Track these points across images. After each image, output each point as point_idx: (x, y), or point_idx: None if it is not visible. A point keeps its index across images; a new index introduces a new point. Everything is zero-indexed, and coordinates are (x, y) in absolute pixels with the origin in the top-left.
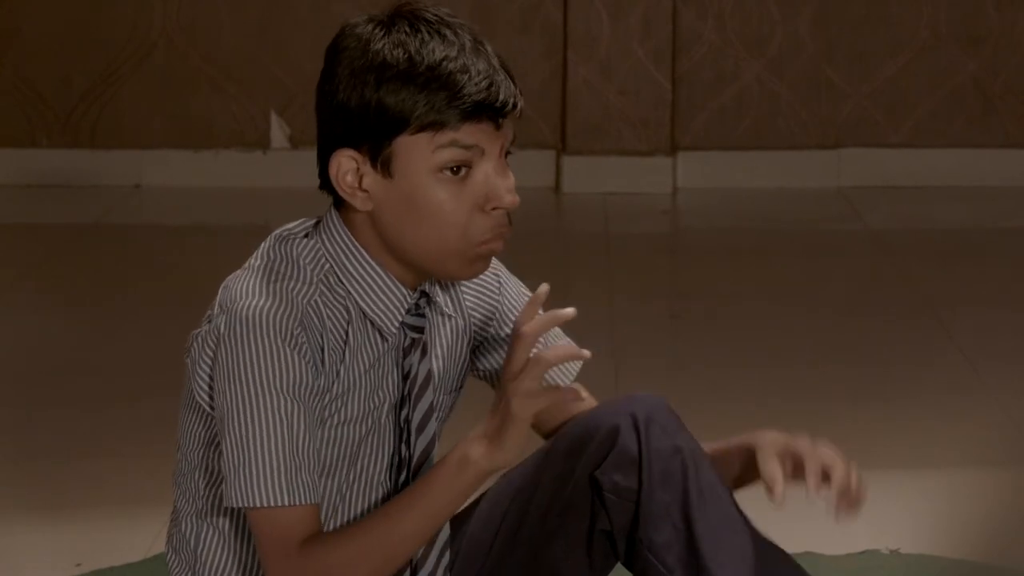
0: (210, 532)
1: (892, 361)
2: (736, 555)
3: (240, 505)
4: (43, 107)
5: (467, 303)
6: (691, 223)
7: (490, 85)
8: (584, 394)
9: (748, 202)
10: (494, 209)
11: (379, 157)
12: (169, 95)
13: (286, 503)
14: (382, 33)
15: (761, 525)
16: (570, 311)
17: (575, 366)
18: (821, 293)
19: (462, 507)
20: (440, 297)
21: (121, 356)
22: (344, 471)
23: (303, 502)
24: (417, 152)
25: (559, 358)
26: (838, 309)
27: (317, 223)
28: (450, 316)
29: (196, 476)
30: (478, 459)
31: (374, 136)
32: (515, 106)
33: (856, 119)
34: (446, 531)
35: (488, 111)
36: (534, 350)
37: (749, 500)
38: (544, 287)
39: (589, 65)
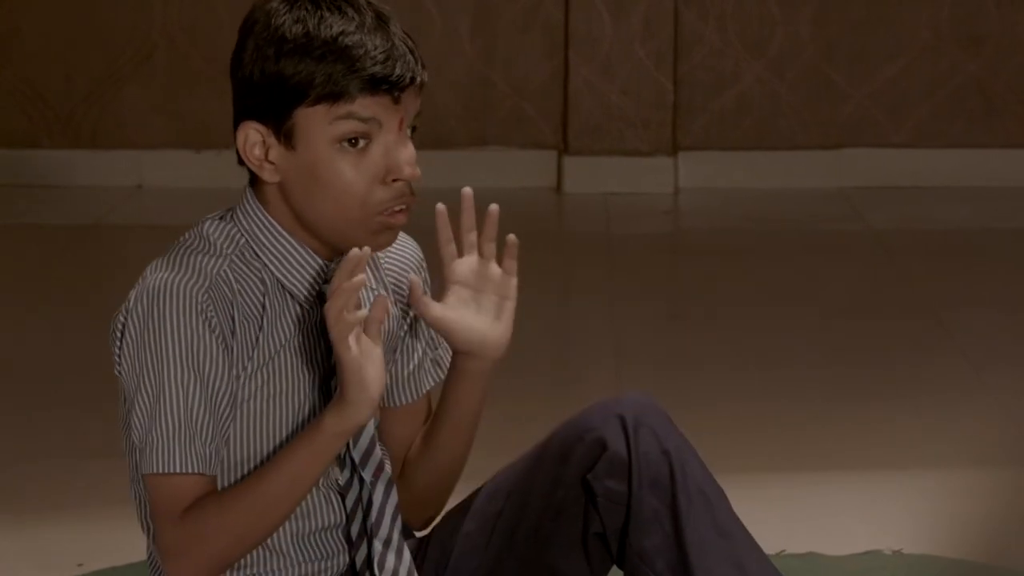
0: None
1: (892, 361)
2: (724, 561)
3: (144, 472)
4: (44, 107)
5: (389, 279)
6: (692, 223)
7: (387, 59)
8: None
9: (749, 202)
10: (395, 181)
11: (282, 129)
12: (170, 95)
13: (178, 470)
14: (285, 9)
15: (762, 526)
16: (360, 279)
17: (436, 369)
18: (822, 293)
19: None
20: None
21: None
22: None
23: (195, 471)
24: (316, 123)
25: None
26: (839, 309)
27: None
28: (373, 289)
29: (140, 478)
30: (324, 418)
31: (276, 108)
32: (413, 80)
33: (857, 119)
34: (394, 497)
35: (384, 84)
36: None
37: (743, 502)
38: (355, 251)
39: (590, 65)
